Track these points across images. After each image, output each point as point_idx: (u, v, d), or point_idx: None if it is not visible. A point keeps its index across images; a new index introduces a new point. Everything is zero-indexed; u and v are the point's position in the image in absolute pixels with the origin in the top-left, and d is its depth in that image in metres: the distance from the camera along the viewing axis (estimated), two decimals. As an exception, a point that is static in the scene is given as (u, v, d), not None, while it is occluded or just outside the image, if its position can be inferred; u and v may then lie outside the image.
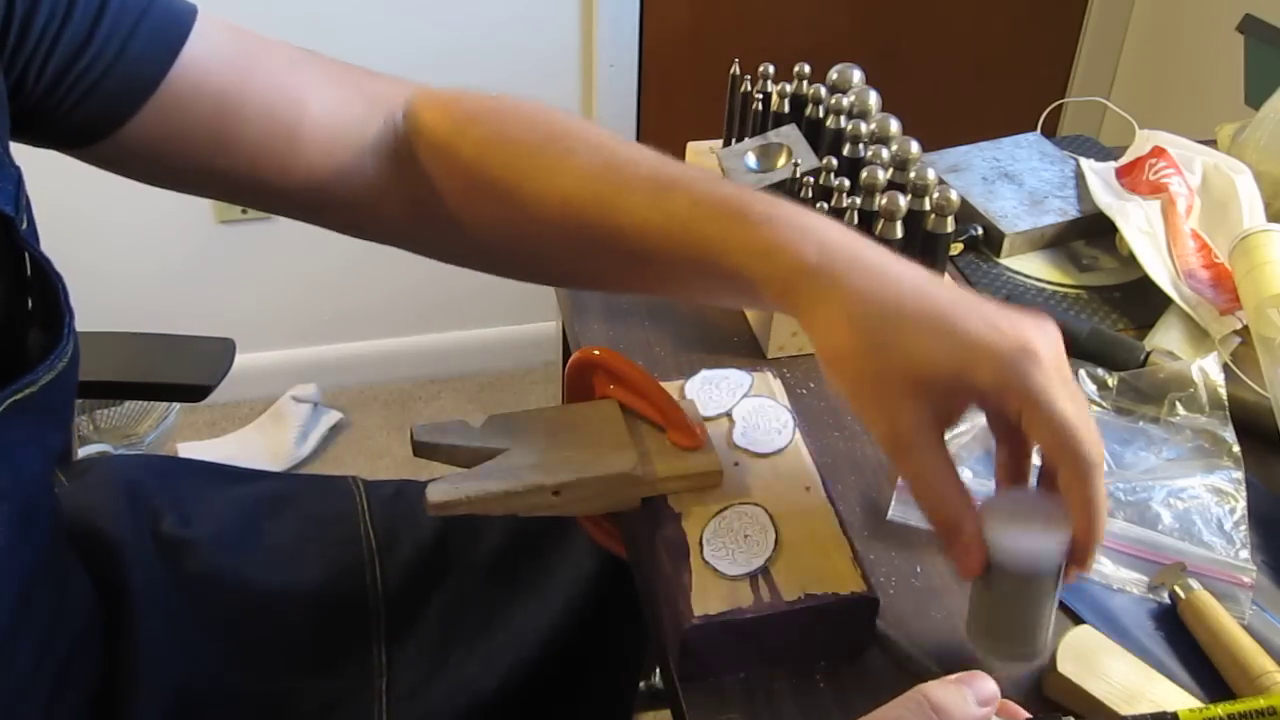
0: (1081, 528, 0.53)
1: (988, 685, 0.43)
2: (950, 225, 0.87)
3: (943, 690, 0.42)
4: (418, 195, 0.66)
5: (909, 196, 0.86)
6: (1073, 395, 0.52)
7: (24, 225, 0.54)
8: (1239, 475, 0.75)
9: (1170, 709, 0.57)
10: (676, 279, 0.62)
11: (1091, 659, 0.60)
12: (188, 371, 1.01)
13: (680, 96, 2.07)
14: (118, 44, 0.58)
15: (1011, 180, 1.06)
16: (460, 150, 0.64)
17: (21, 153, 0.57)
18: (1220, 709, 0.40)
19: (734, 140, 1.01)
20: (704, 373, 0.74)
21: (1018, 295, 0.94)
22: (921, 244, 0.87)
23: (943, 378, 0.51)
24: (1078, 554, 0.54)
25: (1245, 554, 0.70)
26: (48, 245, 0.55)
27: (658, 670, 1.12)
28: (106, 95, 0.58)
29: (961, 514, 0.53)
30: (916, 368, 0.52)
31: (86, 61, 0.57)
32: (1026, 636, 0.57)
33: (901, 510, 0.72)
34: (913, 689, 0.43)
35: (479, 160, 0.63)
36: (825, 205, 0.84)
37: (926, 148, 0.94)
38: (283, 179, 0.64)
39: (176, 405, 1.98)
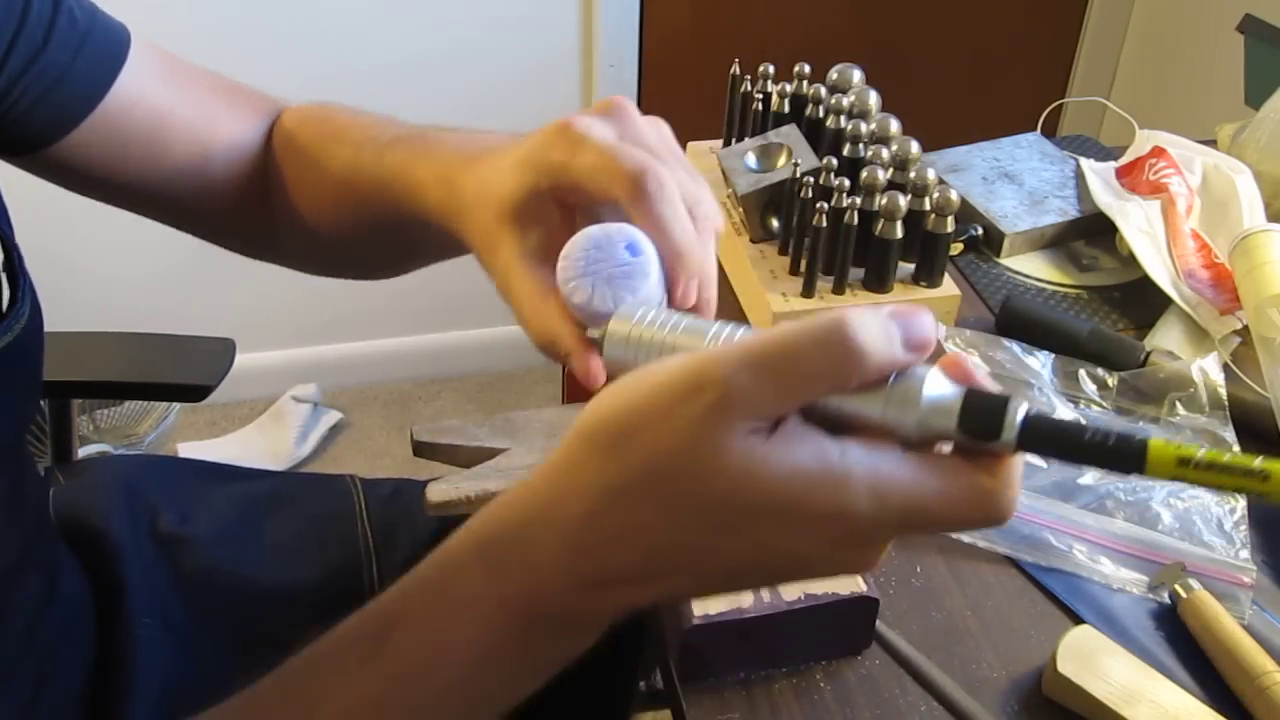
0: (667, 251, 0.47)
1: (922, 324, 0.36)
2: (950, 225, 0.87)
3: (864, 322, 0.35)
4: (275, 193, 0.71)
5: (909, 196, 0.86)
6: (636, 136, 0.50)
7: None
8: (1239, 475, 0.75)
9: (1172, 706, 0.57)
10: (408, 234, 0.63)
11: (1091, 659, 0.60)
12: (188, 371, 1.01)
13: (680, 96, 2.07)
14: (68, 56, 0.60)
15: (1011, 180, 1.06)
16: (296, 138, 0.69)
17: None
18: (1201, 453, 0.33)
19: (734, 140, 1.01)
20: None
21: (1018, 295, 0.94)
22: (921, 244, 0.87)
23: (522, 191, 0.50)
24: (672, 285, 0.48)
25: (1245, 554, 0.70)
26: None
27: (658, 670, 1.12)
28: (55, 105, 0.61)
29: (563, 329, 0.49)
30: (500, 194, 0.51)
31: (38, 70, 0.59)
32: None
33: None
34: (832, 315, 0.35)
35: (307, 146, 0.69)
36: (825, 205, 0.84)
37: (926, 148, 0.94)
38: (197, 193, 0.69)
39: (176, 405, 1.98)
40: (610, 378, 0.40)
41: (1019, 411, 0.35)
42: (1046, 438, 0.35)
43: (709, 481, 0.35)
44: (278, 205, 0.71)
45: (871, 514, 0.35)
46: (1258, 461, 0.33)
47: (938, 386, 0.36)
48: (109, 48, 0.63)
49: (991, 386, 0.37)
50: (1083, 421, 0.36)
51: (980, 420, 0.35)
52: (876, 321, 0.35)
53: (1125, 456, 0.35)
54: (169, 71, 0.67)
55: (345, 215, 0.66)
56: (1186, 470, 0.34)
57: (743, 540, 0.36)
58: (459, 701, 0.40)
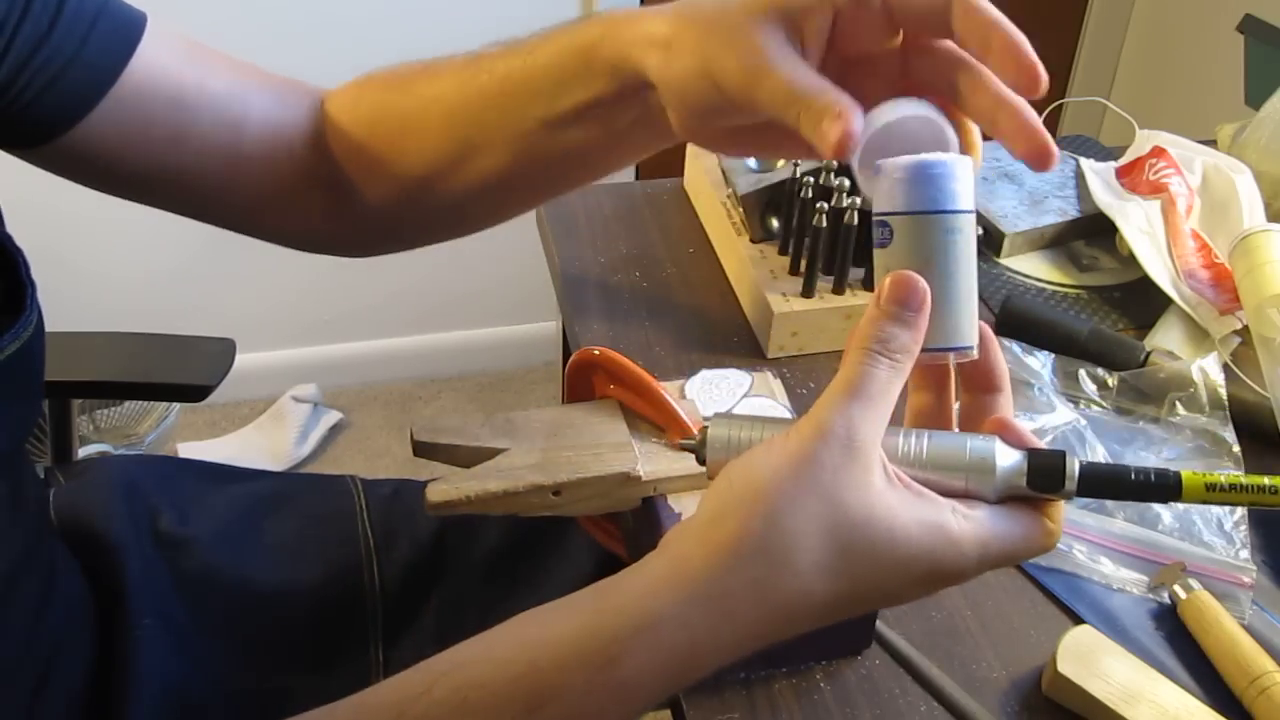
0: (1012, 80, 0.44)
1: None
2: (950, 225, 0.86)
3: None
4: (331, 173, 0.67)
5: (909, 196, 0.86)
6: None
7: None
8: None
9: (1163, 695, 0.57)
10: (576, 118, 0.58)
11: (1091, 659, 0.60)
12: (188, 371, 1.01)
13: (680, 96, 2.06)
14: (77, 39, 0.58)
15: (1011, 180, 1.06)
16: (359, 105, 0.66)
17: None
18: (1223, 478, 0.43)
19: (734, 140, 1.01)
20: (704, 373, 0.74)
21: (1018, 295, 0.94)
22: (921, 244, 0.87)
23: None
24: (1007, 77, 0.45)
25: (1245, 554, 0.70)
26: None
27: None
28: (65, 90, 0.58)
29: (837, 96, 0.45)
30: None
31: (46, 55, 0.57)
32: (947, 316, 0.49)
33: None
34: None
35: (374, 103, 0.66)
36: (825, 205, 0.84)
37: (926, 147, 0.93)
38: (228, 177, 0.65)
39: (176, 405, 1.98)
40: (709, 478, 0.46)
41: (1075, 465, 0.43)
42: (1099, 482, 0.44)
43: (859, 515, 0.42)
44: (354, 179, 0.66)
45: (976, 565, 0.44)
46: (1267, 480, 0.43)
47: (1005, 456, 0.44)
48: (122, 29, 0.60)
49: (1035, 441, 0.46)
50: (1126, 465, 0.45)
51: (1046, 478, 0.44)
52: None
53: (1164, 489, 0.43)
54: (189, 51, 0.64)
55: (485, 132, 0.61)
56: (1214, 493, 0.43)
57: (859, 585, 0.43)
58: None
